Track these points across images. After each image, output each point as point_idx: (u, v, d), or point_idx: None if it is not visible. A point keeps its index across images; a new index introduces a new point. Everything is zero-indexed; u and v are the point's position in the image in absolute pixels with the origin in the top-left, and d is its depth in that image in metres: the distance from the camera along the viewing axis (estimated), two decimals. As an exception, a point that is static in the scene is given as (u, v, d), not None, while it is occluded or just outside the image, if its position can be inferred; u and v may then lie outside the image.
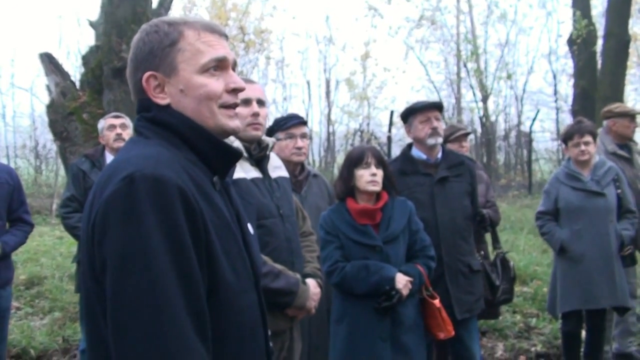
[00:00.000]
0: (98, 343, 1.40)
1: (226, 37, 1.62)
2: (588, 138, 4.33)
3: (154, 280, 1.28)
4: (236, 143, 2.69)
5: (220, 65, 1.55)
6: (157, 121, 1.53)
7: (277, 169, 2.92)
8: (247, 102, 2.70)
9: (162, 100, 1.53)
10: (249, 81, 2.83)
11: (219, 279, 1.42)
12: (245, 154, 2.72)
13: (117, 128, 4.41)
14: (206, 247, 1.40)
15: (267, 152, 2.82)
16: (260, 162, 2.79)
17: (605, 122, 5.05)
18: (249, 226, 1.67)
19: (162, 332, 1.27)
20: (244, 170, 2.68)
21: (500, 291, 4.23)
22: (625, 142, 4.95)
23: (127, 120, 4.50)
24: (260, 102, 2.76)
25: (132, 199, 1.31)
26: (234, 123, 1.58)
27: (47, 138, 19.87)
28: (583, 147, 4.32)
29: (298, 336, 2.85)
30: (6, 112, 22.88)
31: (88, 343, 1.46)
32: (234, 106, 1.57)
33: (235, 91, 1.57)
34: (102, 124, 4.50)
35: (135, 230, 1.30)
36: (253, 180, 2.69)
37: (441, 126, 3.83)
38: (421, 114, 3.81)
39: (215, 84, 1.53)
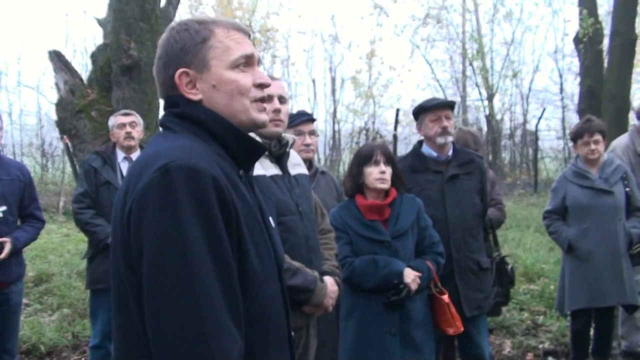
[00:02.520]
0: (128, 329, 1.45)
1: (249, 35, 1.67)
2: (598, 137, 4.33)
3: (191, 265, 1.33)
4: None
5: (248, 61, 1.61)
6: (185, 116, 1.57)
7: (296, 166, 2.91)
8: (268, 98, 2.71)
9: (194, 95, 1.57)
10: (271, 77, 2.85)
11: (247, 267, 1.47)
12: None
13: (126, 126, 4.40)
14: (237, 236, 1.44)
15: (287, 149, 2.82)
16: (279, 159, 2.78)
17: (637, 122, 5.00)
18: (271, 219, 1.71)
19: (199, 315, 1.32)
20: (263, 168, 2.67)
21: (494, 294, 4.17)
22: None
23: (137, 118, 4.51)
24: (282, 99, 2.77)
25: (168, 188, 1.36)
26: (264, 116, 1.64)
27: (53, 136, 19.95)
28: (593, 146, 4.32)
29: (314, 333, 2.85)
30: (13, 110, 22.99)
31: (118, 333, 1.49)
32: (262, 100, 1.63)
33: (261, 86, 1.63)
34: (112, 121, 4.51)
35: (172, 218, 1.34)
36: (272, 177, 2.68)
37: (452, 125, 3.83)
38: (432, 113, 3.80)
39: (245, 79, 1.59)
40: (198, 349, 1.31)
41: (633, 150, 4.87)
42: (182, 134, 1.54)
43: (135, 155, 4.41)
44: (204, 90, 1.57)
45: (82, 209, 4.35)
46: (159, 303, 1.33)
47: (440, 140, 3.77)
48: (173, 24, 1.65)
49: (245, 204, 1.51)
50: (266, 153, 2.72)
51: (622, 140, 4.99)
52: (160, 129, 1.64)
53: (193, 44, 1.57)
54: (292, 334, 1.70)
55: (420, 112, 3.88)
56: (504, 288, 4.29)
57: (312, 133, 3.87)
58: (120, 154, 4.41)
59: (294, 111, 3.95)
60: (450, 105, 3.90)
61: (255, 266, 1.49)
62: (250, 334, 1.46)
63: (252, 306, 1.48)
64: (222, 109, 1.57)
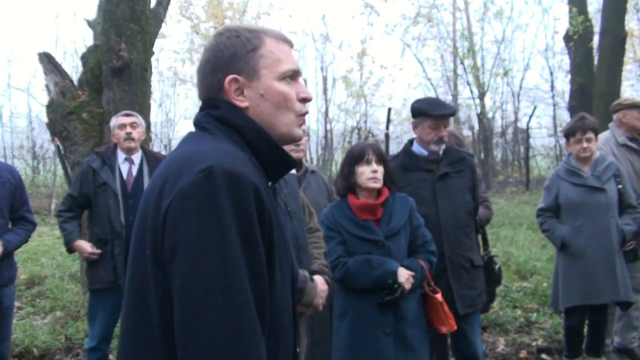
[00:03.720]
0: (143, 328, 1.43)
1: (293, 46, 1.68)
2: (590, 134, 4.35)
3: (228, 269, 1.33)
4: None
5: (294, 75, 1.62)
6: (223, 120, 1.56)
7: None
8: None
9: (241, 102, 1.56)
10: None
11: (272, 277, 1.46)
12: None
13: (127, 127, 4.36)
14: (269, 245, 1.45)
15: None
16: None
17: (615, 115, 5.07)
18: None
19: (239, 318, 1.32)
20: None
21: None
22: (635, 134, 4.96)
23: (139, 119, 4.47)
24: None
25: (212, 191, 1.35)
26: (300, 132, 1.65)
27: (44, 138, 19.89)
28: (585, 144, 4.34)
29: (304, 332, 2.86)
30: (3, 112, 22.89)
31: (129, 329, 1.48)
32: (304, 115, 1.65)
33: (305, 100, 1.64)
34: (113, 121, 4.47)
35: (213, 221, 1.34)
36: None
37: (447, 133, 3.83)
38: (432, 120, 3.76)
39: (292, 92, 1.60)
40: (235, 353, 1.31)
41: (615, 142, 4.94)
42: (220, 137, 1.53)
43: (136, 156, 4.39)
44: (251, 98, 1.57)
45: (62, 211, 4.41)
46: (194, 303, 1.32)
47: (434, 147, 3.78)
48: (221, 29, 1.65)
49: (275, 215, 1.51)
50: None
51: (604, 134, 5.07)
52: (194, 128, 1.63)
53: (245, 52, 1.56)
54: (297, 350, 1.69)
55: (421, 114, 3.83)
56: (490, 287, 4.27)
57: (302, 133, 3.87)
58: (121, 155, 4.38)
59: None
60: (452, 115, 3.89)
61: (277, 277, 1.49)
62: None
63: (271, 316, 1.47)
64: (265, 119, 1.57)
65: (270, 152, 1.58)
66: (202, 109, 1.63)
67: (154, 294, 1.40)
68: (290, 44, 1.65)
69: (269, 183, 1.60)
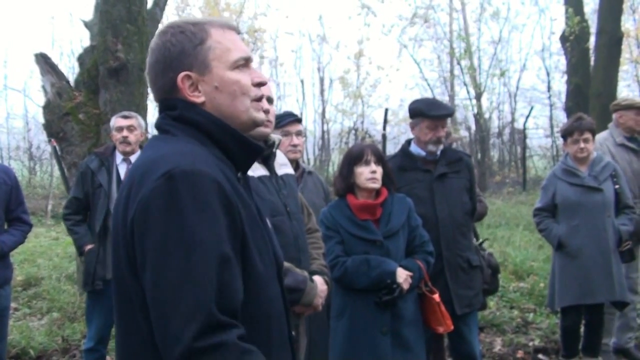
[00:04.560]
0: (133, 335, 1.45)
1: (240, 32, 1.68)
2: (588, 135, 4.36)
3: (195, 269, 1.33)
4: None
5: (246, 62, 1.61)
6: (183, 119, 1.56)
7: (283, 166, 2.93)
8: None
9: (197, 98, 1.56)
10: None
11: (251, 270, 1.48)
12: None
13: (123, 130, 4.33)
14: (241, 239, 1.45)
15: (274, 150, 2.82)
16: (266, 159, 2.79)
17: (614, 115, 5.08)
18: (267, 220, 1.72)
19: (199, 313, 1.32)
20: (251, 168, 2.68)
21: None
22: (633, 134, 4.98)
23: (137, 120, 4.44)
24: (270, 100, 2.77)
25: (173, 195, 1.36)
26: (262, 115, 1.67)
27: (40, 139, 19.78)
28: (582, 145, 4.35)
29: (303, 332, 2.85)
30: (-1, 113, 22.79)
31: (121, 333, 1.51)
32: (261, 99, 1.65)
33: (259, 85, 1.64)
34: (112, 122, 4.46)
35: (177, 224, 1.35)
36: (260, 178, 2.69)
37: (444, 134, 3.84)
38: (430, 120, 3.78)
39: (246, 78, 1.59)
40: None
41: (612, 142, 4.96)
42: (181, 138, 1.54)
43: (134, 157, 4.36)
44: (207, 92, 1.57)
45: (69, 214, 4.38)
46: (164, 307, 1.33)
47: (431, 147, 3.80)
48: (164, 27, 1.63)
49: (246, 207, 1.51)
50: None
51: (602, 134, 5.09)
52: (157, 131, 1.63)
53: (192, 46, 1.56)
54: (292, 333, 1.72)
55: (419, 115, 3.85)
56: (491, 281, 4.15)
57: (299, 134, 3.88)
58: (119, 156, 4.38)
59: (281, 112, 3.96)
60: (450, 116, 3.90)
61: (258, 268, 1.50)
62: (254, 335, 1.45)
63: (256, 307, 1.49)
64: (224, 110, 1.57)
65: (234, 142, 1.58)
66: (160, 110, 1.63)
67: (136, 302, 1.42)
68: (236, 30, 1.65)
69: (239, 174, 1.62)
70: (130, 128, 4.35)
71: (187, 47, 1.56)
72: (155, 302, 1.35)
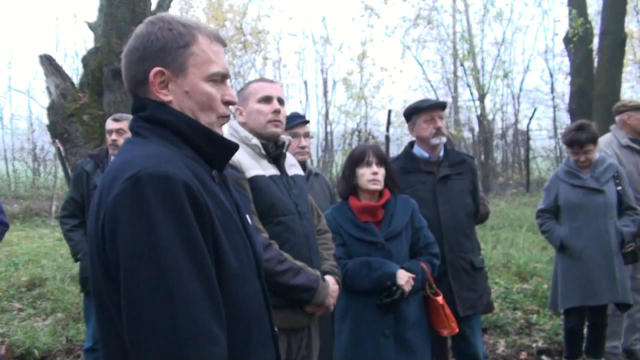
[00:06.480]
0: (113, 340, 1.44)
1: (226, 46, 1.68)
2: (589, 147, 4.35)
3: (166, 273, 1.33)
4: (254, 140, 2.72)
5: (223, 78, 1.62)
6: (154, 120, 1.56)
7: (292, 167, 2.94)
8: (268, 99, 2.75)
9: (164, 96, 1.56)
10: (270, 80, 2.90)
11: (225, 268, 1.47)
12: (263, 152, 2.75)
13: (113, 133, 4.30)
14: (212, 239, 1.45)
15: (284, 150, 2.84)
16: (277, 159, 2.81)
17: (618, 117, 5.07)
18: (247, 217, 1.71)
19: (176, 322, 1.32)
20: (262, 168, 2.70)
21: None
22: (638, 136, 4.98)
23: (129, 123, 4.44)
24: (281, 101, 2.79)
25: (139, 198, 1.35)
26: (221, 131, 1.66)
27: (45, 140, 19.88)
28: (583, 157, 4.36)
29: (316, 333, 2.85)
30: (4, 114, 22.92)
31: (102, 341, 1.50)
32: (227, 117, 1.64)
33: (228, 103, 1.64)
34: (107, 123, 4.48)
35: (145, 227, 1.34)
36: (271, 177, 2.71)
37: (444, 125, 3.85)
38: (425, 114, 3.81)
39: (217, 94, 1.59)
40: (176, 357, 1.31)
41: (617, 144, 4.95)
42: (151, 139, 1.53)
43: None
44: (175, 93, 1.56)
45: (65, 217, 4.40)
46: (135, 311, 1.33)
47: (434, 140, 3.79)
48: (154, 17, 1.62)
49: (219, 205, 1.51)
50: (264, 154, 2.74)
51: (605, 137, 5.08)
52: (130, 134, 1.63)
53: (175, 46, 1.55)
54: (276, 329, 1.70)
55: (412, 113, 3.88)
56: None
57: (307, 135, 3.89)
58: (112, 158, 4.39)
59: (290, 113, 3.96)
60: (442, 106, 3.91)
61: (233, 266, 1.49)
62: (232, 335, 1.45)
63: (232, 306, 1.48)
64: (187, 115, 1.57)
65: (206, 140, 1.58)
66: (133, 111, 1.63)
67: (112, 305, 1.41)
68: (223, 44, 1.65)
69: (214, 172, 1.61)
70: (119, 131, 4.29)
71: (171, 46, 1.55)
72: (125, 308, 1.35)
